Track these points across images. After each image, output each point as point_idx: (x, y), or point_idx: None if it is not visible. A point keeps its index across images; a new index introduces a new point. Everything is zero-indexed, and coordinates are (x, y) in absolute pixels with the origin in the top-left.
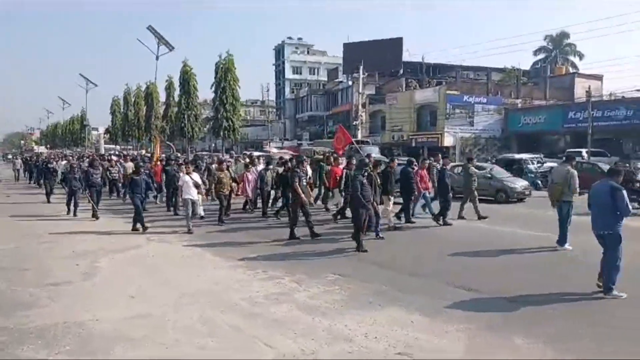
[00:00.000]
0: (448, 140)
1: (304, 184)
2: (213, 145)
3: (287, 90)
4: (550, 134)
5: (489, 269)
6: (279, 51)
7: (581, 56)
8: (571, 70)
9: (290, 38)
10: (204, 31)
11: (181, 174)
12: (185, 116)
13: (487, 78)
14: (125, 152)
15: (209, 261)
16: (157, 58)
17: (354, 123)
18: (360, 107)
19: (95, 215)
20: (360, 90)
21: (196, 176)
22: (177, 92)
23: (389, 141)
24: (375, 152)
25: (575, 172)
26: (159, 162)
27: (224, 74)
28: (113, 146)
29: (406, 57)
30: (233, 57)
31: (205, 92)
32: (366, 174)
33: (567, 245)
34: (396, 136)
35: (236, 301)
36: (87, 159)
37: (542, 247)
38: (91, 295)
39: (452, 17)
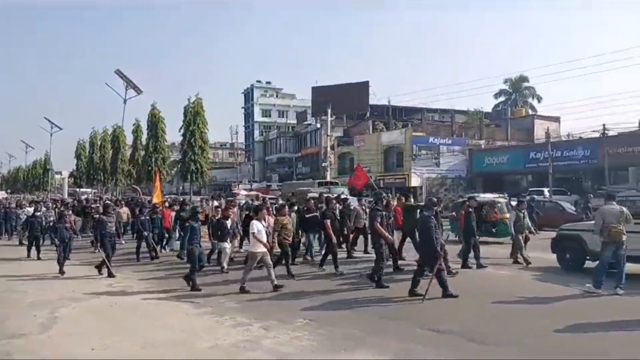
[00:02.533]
0: (415, 181)
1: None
2: (181, 188)
3: (256, 132)
4: (513, 174)
5: (464, 311)
6: (248, 94)
7: (539, 99)
8: (530, 112)
9: (259, 81)
10: (173, 74)
11: (255, 221)
12: (153, 159)
13: (451, 120)
14: (107, 197)
15: (175, 308)
16: (124, 102)
17: (323, 165)
18: (328, 149)
19: (111, 274)
20: (329, 133)
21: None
22: (144, 136)
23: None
24: (345, 194)
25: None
26: (167, 205)
27: (193, 117)
28: (87, 189)
29: (373, 100)
30: (202, 100)
31: (173, 134)
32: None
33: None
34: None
35: (201, 350)
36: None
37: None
38: (47, 348)
39: (418, 61)
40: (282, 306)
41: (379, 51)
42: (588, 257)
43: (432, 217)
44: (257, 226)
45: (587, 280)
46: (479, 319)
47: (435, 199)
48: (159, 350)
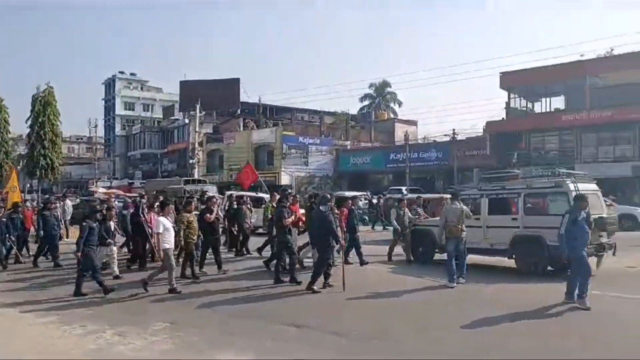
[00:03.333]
0: (285, 179)
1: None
2: (28, 185)
3: (118, 126)
4: (375, 173)
5: (317, 304)
6: (109, 85)
7: (400, 103)
8: (392, 116)
9: (122, 72)
10: (22, 62)
11: (153, 215)
12: None
13: (320, 121)
14: None
15: (17, 318)
16: None
17: (191, 162)
18: (197, 145)
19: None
20: (197, 129)
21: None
22: None
23: (228, 180)
24: (213, 191)
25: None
26: (28, 205)
27: (43, 107)
28: None
29: (244, 97)
30: (53, 89)
31: (19, 126)
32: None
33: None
34: (234, 175)
35: None
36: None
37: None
38: None
39: (288, 61)
40: (139, 311)
41: (251, 49)
42: (437, 251)
43: (329, 212)
44: (163, 224)
45: (437, 272)
46: (340, 314)
47: (329, 195)
48: None
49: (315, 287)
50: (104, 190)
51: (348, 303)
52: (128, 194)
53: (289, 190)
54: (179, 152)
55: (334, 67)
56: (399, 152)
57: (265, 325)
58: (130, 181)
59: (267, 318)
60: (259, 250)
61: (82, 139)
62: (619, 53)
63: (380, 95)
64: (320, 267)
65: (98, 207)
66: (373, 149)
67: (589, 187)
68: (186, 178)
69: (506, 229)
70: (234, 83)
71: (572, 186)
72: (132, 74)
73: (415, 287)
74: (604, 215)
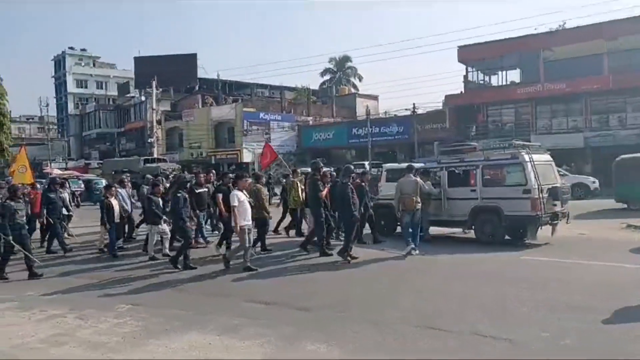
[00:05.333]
0: (247, 156)
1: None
2: None
3: (71, 105)
4: (338, 149)
5: (287, 281)
6: (59, 62)
7: (361, 78)
8: (353, 90)
9: (72, 48)
10: None
11: (236, 191)
12: None
13: (281, 96)
14: None
15: None
16: None
17: (149, 140)
18: (155, 123)
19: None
20: (154, 106)
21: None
22: None
23: (188, 158)
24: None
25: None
26: (38, 187)
27: None
28: None
29: (202, 73)
30: None
31: None
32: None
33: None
34: (195, 153)
35: (5, 350)
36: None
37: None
38: None
39: (246, 34)
40: (102, 294)
41: (208, 24)
42: (399, 223)
43: (350, 184)
44: (238, 197)
45: (397, 244)
46: (306, 290)
47: (351, 167)
48: None
49: (348, 258)
50: (59, 171)
51: (316, 278)
52: (85, 175)
53: (321, 164)
54: (137, 130)
55: (294, 42)
56: (360, 127)
57: (232, 303)
58: (86, 162)
59: (233, 296)
60: (287, 230)
61: (33, 118)
62: (570, 27)
63: (341, 70)
64: (348, 239)
65: (187, 178)
66: (335, 125)
67: (543, 158)
68: (145, 157)
69: (465, 201)
70: (191, 59)
71: (527, 157)
72: (82, 50)
73: (378, 257)
74: (558, 185)
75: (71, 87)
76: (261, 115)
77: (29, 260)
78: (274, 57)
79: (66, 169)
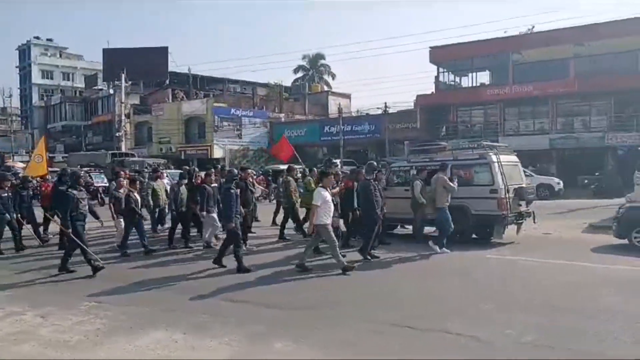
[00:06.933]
0: (218, 152)
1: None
2: None
3: (35, 96)
4: (310, 146)
5: (260, 279)
6: (24, 52)
7: (334, 76)
8: (326, 88)
9: (37, 38)
10: None
11: (321, 189)
12: None
13: (252, 92)
14: None
15: None
16: None
17: (117, 134)
18: (123, 117)
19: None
20: (123, 100)
21: None
22: None
23: (157, 153)
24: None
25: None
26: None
27: None
28: None
29: (172, 67)
30: None
31: None
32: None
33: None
34: (164, 148)
35: None
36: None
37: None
38: None
39: (219, 30)
40: (64, 292)
41: (181, 17)
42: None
43: (373, 180)
44: (323, 196)
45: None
46: (283, 288)
47: (374, 163)
48: None
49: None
50: (23, 165)
51: (291, 278)
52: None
53: (334, 162)
54: (105, 124)
55: (267, 39)
56: (333, 124)
57: (199, 301)
58: (51, 155)
59: (201, 294)
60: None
61: None
62: (539, 30)
63: (314, 68)
64: (369, 238)
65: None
66: (307, 122)
67: (510, 159)
68: (113, 151)
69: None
70: (162, 52)
71: (494, 158)
72: (48, 40)
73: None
74: (523, 185)
75: (36, 77)
76: (232, 111)
77: (88, 255)
78: (247, 53)
79: (29, 162)
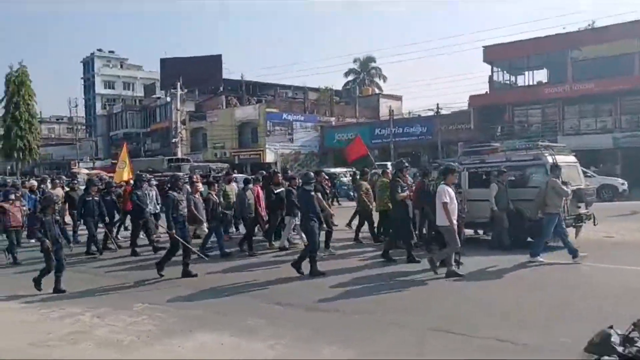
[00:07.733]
0: (270, 157)
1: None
2: (9, 168)
3: (99, 105)
4: None
5: (305, 283)
6: (88, 64)
7: (385, 78)
8: (377, 91)
9: (100, 50)
10: None
11: (446, 186)
12: None
13: (304, 97)
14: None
15: None
16: None
17: (174, 140)
18: (179, 124)
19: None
20: (179, 107)
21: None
22: None
23: (212, 158)
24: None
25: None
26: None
27: (17, 87)
28: None
29: (226, 74)
30: (27, 68)
31: None
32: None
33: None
34: (219, 153)
35: (22, 347)
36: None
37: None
38: None
39: (269, 36)
40: (118, 294)
41: (234, 26)
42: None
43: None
44: (449, 193)
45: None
46: (328, 293)
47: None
48: None
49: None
50: (87, 171)
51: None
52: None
53: (405, 164)
54: (162, 131)
55: (318, 43)
56: (383, 127)
57: (250, 304)
58: (113, 161)
59: (252, 297)
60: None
61: (62, 119)
62: (600, 26)
63: (365, 71)
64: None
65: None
66: (358, 125)
67: (567, 159)
68: (169, 157)
69: (486, 202)
70: (216, 60)
71: (549, 158)
72: (110, 52)
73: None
74: (582, 187)
75: (99, 88)
76: (284, 115)
77: (188, 257)
78: (298, 58)
79: (93, 168)
